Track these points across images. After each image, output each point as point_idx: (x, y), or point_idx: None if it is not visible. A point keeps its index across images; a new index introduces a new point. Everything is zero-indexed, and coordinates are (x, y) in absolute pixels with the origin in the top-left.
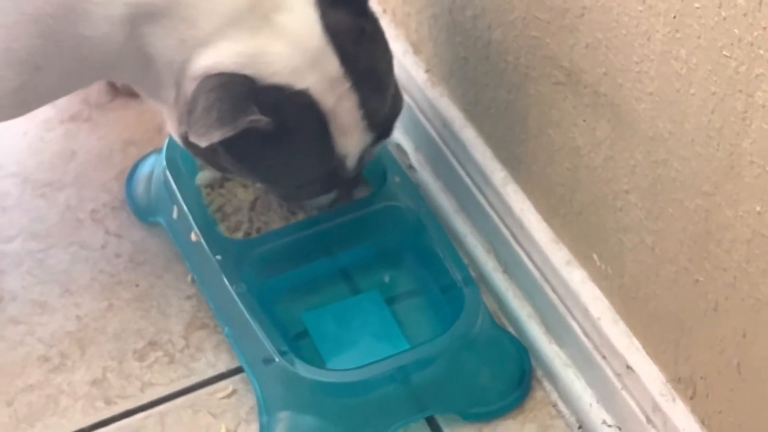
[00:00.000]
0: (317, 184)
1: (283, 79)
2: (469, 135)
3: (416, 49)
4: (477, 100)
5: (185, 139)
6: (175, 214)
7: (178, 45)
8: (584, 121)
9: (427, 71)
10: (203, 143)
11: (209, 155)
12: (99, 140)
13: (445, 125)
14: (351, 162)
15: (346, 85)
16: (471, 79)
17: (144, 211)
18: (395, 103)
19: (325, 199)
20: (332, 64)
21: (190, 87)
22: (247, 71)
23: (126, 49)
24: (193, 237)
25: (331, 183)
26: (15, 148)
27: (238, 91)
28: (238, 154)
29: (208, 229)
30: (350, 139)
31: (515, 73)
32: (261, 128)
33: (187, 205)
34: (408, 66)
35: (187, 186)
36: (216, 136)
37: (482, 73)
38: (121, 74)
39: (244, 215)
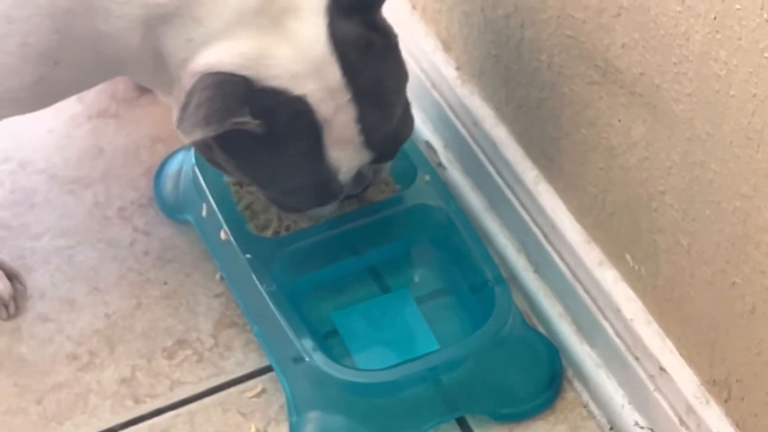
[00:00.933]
0: (308, 194)
1: (281, 84)
2: (500, 133)
3: (446, 47)
4: (508, 99)
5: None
6: (204, 212)
7: (186, 43)
8: (619, 121)
9: (457, 69)
10: (186, 140)
11: (207, 153)
12: (126, 137)
13: (476, 123)
14: (344, 177)
15: (346, 96)
16: (502, 77)
17: (172, 208)
18: (403, 126)
19: (321, 212)
20: (334, 74)
21: (188, 82)
22: (247, 72)
23: (142, 50)
24: (222, 235)
25: (324, 196)
26: (42, 144)
27: (231, 91)
28: (230, 152)
29: (237, 227)
30: (344, 152)
31: (548, 72)
32: (252, 129)
33: (216, 203)
34: (438, 63)
35: (216, 183)
36: (197, 135)
37: (514, 71)
38: (136, 73)
39: (273, 213)
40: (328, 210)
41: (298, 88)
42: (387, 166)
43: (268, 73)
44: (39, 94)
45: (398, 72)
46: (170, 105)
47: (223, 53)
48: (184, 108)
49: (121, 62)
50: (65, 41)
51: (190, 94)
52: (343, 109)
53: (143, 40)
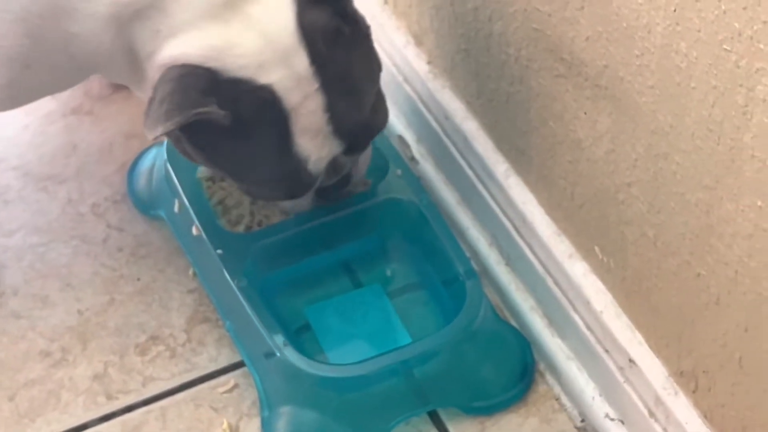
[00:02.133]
0: (279, 185)
1: (247, 73)
2: (470, 127)
3: (418, 41)
4: (479, 93)
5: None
6: (176, 208)
7: (154, 35)
8: (585, 113)
9: (428, 63)
10: (150, 135)
11: (176, 142)
12: (100, 133)
13: (447, 117)
14: (314, 167)
15: (314, 85)
16: (473, 71)
17: (145, 204)
18: (375, 116)
19: (298, 205)
20: (301, 62)
21: (155, 75)
22: (212, 64)
23: (114, 47)
24: (194, 231)
25: (295, 187)
26: (16, 141)
27: (193, 83)
28: (199, 144)
29: (209, 222)
30: (313, 142)
31: (516, 66)
32: (218, 120)
33: (188, 199)
34: (410, 58)
35: (189, 179)
36: (159, 130)
37: (483, 65)
38: (110, 72)
39: (245, 209)
40: (304, 203)
41: (264, 77)
42: (366, 157)
43: (234, 64)
44: (10, 96)
45: (369, 61)
46: (145, 101)
47: (188, 44)
48: (150, 104)
49: (94, 62)
50: (37, 45)
51: (155, 89)
52: (311, 97)
53: (115, 37)
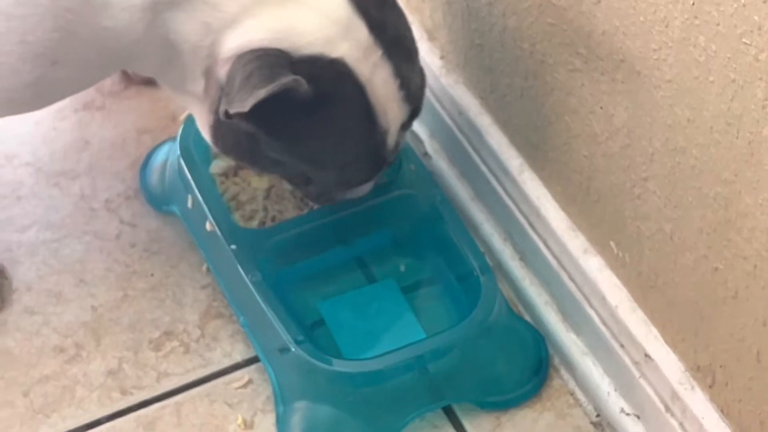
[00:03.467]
0: (361, 164)
1: (317, 50)
2: (484, 122)
3: (431, 36)
4: (493, 87)
5: (214, 131)
6: (189, 204)
7: (203, 29)
8: (601, 108)
9: (442, 58)
10: (247, 107)
11: (246, 146)
12: (113, 129)
13: (461, 112)
14: (392, 138)
15: (378, 53)
16: (486, 66)
17: (158, 200)
18: (422, 78)
19: (363, 190)
20: (362, 32)
21: (223, 69)
22: (280, 45)
23: (148, 39)
24: (207, 226)
25: (375, 165)
26: (28, 137)
27: (275, 60)
28: (278, 131)
29: (222, 218)
30: (390, 111)
31: (531, 60)
32: (300, 98)
33: (201, 194)
34: (423, 53)
35: (202, 175)
36: (261, 94)
37: (497, 60)
38: (143, 66)
39: (259, 204)
40: (368, 187)
41: (335, 51)
42: (406, 132)
43: (301, 42)
44: (37, 94)
45: (408, 23)
46: (183, 101)
47: (249, 33)
48: (229, 89)
49: (125, 56)
50: (66, 40)
51: (231, 77)
52: (380, 66)
53: (148, 29)
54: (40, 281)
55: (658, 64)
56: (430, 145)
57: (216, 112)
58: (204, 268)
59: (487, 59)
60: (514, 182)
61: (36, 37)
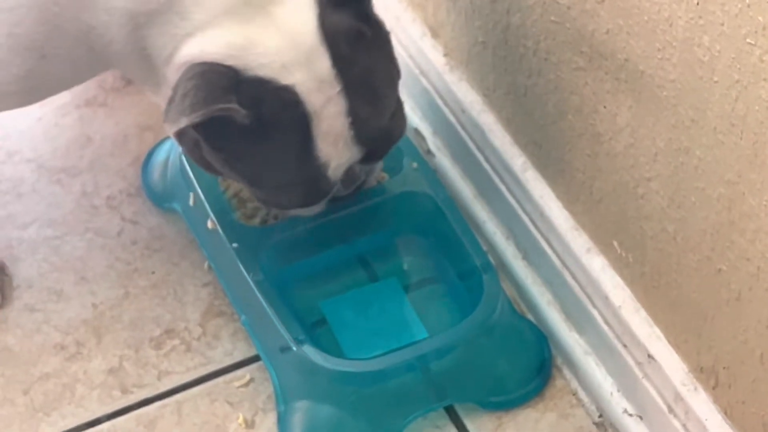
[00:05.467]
0: (297, 191)
1: (269, 73)
2: (487, 120)
3: (434, 33)
4: (496, 85)
5: (175, 134)
6: (191, 201)
7: (171, 39)
8: (605, 107)
9: (445, 55)
10: (171, 130)
11: (196, 151)
12: (115, 126)
13: (464, 110)
14: (333, 174)
15: (336, 88)
16: (490, 63)
17: (160, 197)
18: (395, 125)
19: (311, 211)
20: (323, 64)
21: (174, 75)
22: (233, 62)
23: (128, 48)
24: (209, 224)
25: (313, 194)
26: (30, 133)
27: (216, 80)
28: (217, 146)
29: (224, 216)
30: (334, 147)
31: (535, 58)
32: (239, 120)
33: (203, 192)
34: (426, 50)
35: (204, 172)
36: (183, 122)
37: (501, 57)
38: (125, 69)
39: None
40: (316, 209)
41: (287, 78)
42: (378, 168)
43: (255, 62)
44: (30, 88)
45: (390, 66)
46: (159, 104)
47: (207, 43)
48: (171, 101)
49: (109, 57)
50: (53, 33)
51: (176, 87)
52: (333, 101)
53: (129, 37)
54: (41, 278)
55: (662, 63)
56: (432, 143)
57: None
58: (205, 266)
59: (490, 57)
60: (517, 181)
61: (24, 30)
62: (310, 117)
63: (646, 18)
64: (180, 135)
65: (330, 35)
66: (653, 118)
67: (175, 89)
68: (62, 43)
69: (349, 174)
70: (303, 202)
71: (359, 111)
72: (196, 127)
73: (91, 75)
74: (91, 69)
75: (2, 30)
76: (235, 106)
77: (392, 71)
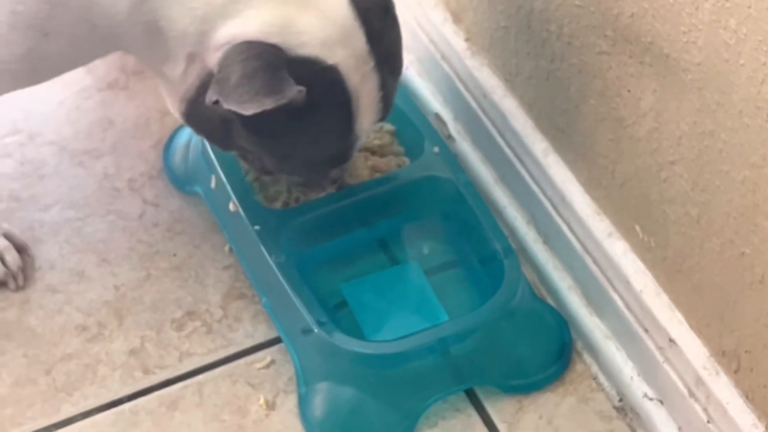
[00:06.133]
0: (325, 164)
1: (311, 52)
2: (509, 105)
3: (456, 18)
4: (518, 70)
5: (188, 112)
6: (213, 184)
7: (194, 15)
8: (629, 91)
9: (467, 40)
10: (249, 111)
11: (218, 131)
12: (136, 108)
13: (485, 95)
14: (360, 142)
15: (370, 64)
16: (512, 48)
17: (181, 180)
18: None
19: (317, 186)
20: (359, 41)
21: (211, 57)
22: (274, 41)
23: (133, 21)
24: (231, 207)
25: (334, 163)
26: (52, 116)
27: (274, 61)
28: (256, 127)
29: (246, 198)
30: (366, 119)
31: (558, 43)
32: (294, 103)
33: (225, 175)
34: (447, 35)
35: (225, 155)
36: (267, 104)
37: (524, 42)
38: (128, 44)
39: (283, 185)
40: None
41: (330, 57)
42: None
43: (296, 41)
44: (32, 68)
45: (401, 37)
46: (158, 84)
47: (246, 24)
48: (223, 81)
49: (112, 35)
50: (55, 11)
51: (225, 67)
52: (368, 77)
53: (133, 10)
54: (62, 260)
55: (687, 47)
56: (454, 128)
57: (195, 94)
58: (227, 248)
59: (513, 42)
60: (538, 166)
61: (26, 7)
62: (351, 94)
63: (671, 1)
64: (192, 114)
65: (362, 11)
66: (678, 102)
67: (226, 68)
68: (64, 20)
69: None
70: (325, 174)
71: (387, 83)
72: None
73: (93, 57)
74: (93, 49)
75: (5, 8)
76: (303, 89)
77: (401, 39)
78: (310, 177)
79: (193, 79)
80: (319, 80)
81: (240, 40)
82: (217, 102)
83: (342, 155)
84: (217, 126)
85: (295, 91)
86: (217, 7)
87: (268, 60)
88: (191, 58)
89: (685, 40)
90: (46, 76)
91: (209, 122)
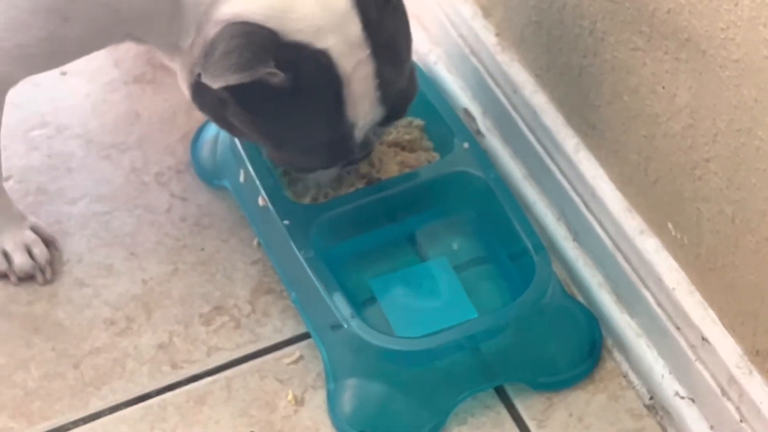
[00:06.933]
0: (322, 153)
1: (305, 37)
2: (540, 100)
3: (486, 13)
4: (549, 66)
5: (194, 88)
6: (241, 178)
7: None
8: (664, 88)
9: (497, 35)
10: (216, 84)
11: (216, 109)
12: (163, 102)
13: (515, 90)
14: (359, 133)
15: (366, 51)
16: (544, 44)
17: (209, 174)
18: (411, 85)
19: (327, 175)
20: (355, 29)
21: (211, 31)
22: (272, 24)
23: None
24: (260, 201)
25: (336, 155)
26: (79, 109)
27: (260, 42)
28: (249, 107)
29: (275, 193)
30: (361, 108)
31: (591, 38)
32: (276, 83)
33: (253, 169)
34: (477, 30)
35: (254, 149)
36: (231, 80)
37: (555, 37)
38: (148, 25)
39: (312, 180)
40: (331, 174)
41: (321, 42)
42: (386, 132)
43: (293, 27)
44: (50, 51)
45: (408, 29)
46: (171, 61)
47: (248, 3)
48: (208, 55)
49: (134, 16)
50: None
51: (214, 42)
52: (363, 64)
53: None
54: (90, 253)
55: (725, 43)
56: (482, 123)
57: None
58: (255, 243)
59: (544, 37)
60: (569, 162)
61: None
62: (342, 80)
63: None
64: (197, 91)
65: (361, 1)
66: (714, 99)
67: (213, 45)
68: (85, 4)
69: (366, 137)
70: (327, 163)
71: (385, 73)
72: (228, 87)
73: (108, 42)
74: (108, 35)
75: None
76: (275, 71)
77: (409, 34)
78: (311, 165)
79: (197, 51)
80: (309, 64)
81: (239, 19)
82: (200, 76)
83: (342, 144)
84: (216, 103)
85: (263, 72)
86: None
87: (252, 40)
88: (198, 29)
89: (723, 36)
90: (62, 61)
91: (211, 99)
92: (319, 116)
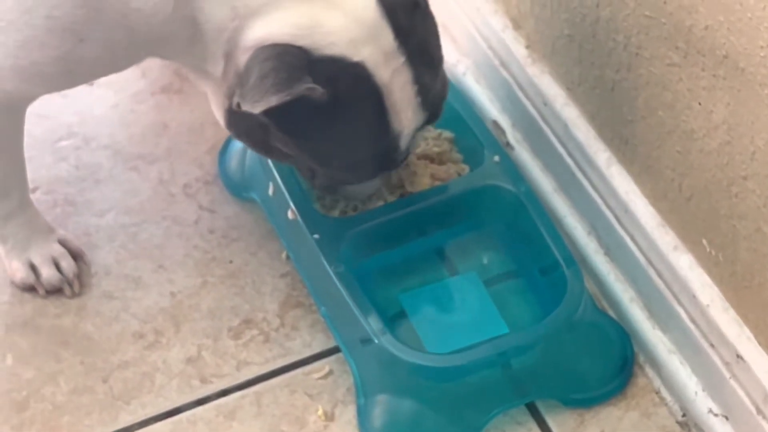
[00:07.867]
0: (368, 164)
1: (338, 51)
2: (571, 114)
3: (516, 25)
4: (581, 79)
5: (228, 116)
6: (270, 191)
7: (230, 12)
8: (700, 104)
9: (527, 47)
10: (257, 109)
11: (255, 135)
12: (191, 113)
13: (546, 103)
14: (404, 141)
15: (401, 59)
16: (575, 57)
17: (238, 186)
18: (444, 86)
19: (370, 186)
20: (387, 38)
21: (242, 58)
22: (302, 42)
23: (174, 19)
24: (289, 215)
25: (382, 165)
26: (106, 120)
27: (292, 61)
28: (290, 128)
29: (304, 206)
30: (404, 116)
31: (625, 53)
32: (315, 99)
33: (283, 182)
34: (507, 42)
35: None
36: (272, 101)
37: (588, 51)
38: (167, 48)
39: (341, 193)
40: (376, 184)
41: (356, 54)
42: (421, 134)
43: (324, 42)
44: (66, 70)
45: (437, 31)
46: (201, 84)
47: (274, 25)
48: (244, 83)
49: (151, 38)
50: (91, 16)
51: (248, 69)
52: (399, 71)
53: (176, 7)
54: (118, 266)
55: (764, 61)
56: (512, 136)
57: (231, 98)
58: (283, 256)
59: (576, 50)
60: (601, 176)
61: (62, 12)
62: (381, 90)
63: (749, 15)
64: (232, 119)
65: (389, 8)
66: (752, 116)
67: (247, 71)
68: (100, 27)
69: (410, 140)
70: (372, 174)
71: (423, 78)
72: (268, 112)
73: (129, 63)
74: (128, 56)
75: (41, 12)
76: (315, 86)
77: (438, 35)
78: (357, 178)
79: (230, 79)
80: (346, 78)
81: (267, 41)
82: (239, 105)
83: (389, 154)
84: (257, 131)
85: (303, 88)
86: (250, 7)
87: (285, 60)
88: (228, 57)
89: (762, 54)
90: (83, 80)
91: (249, 127)
92: (364, 129)
